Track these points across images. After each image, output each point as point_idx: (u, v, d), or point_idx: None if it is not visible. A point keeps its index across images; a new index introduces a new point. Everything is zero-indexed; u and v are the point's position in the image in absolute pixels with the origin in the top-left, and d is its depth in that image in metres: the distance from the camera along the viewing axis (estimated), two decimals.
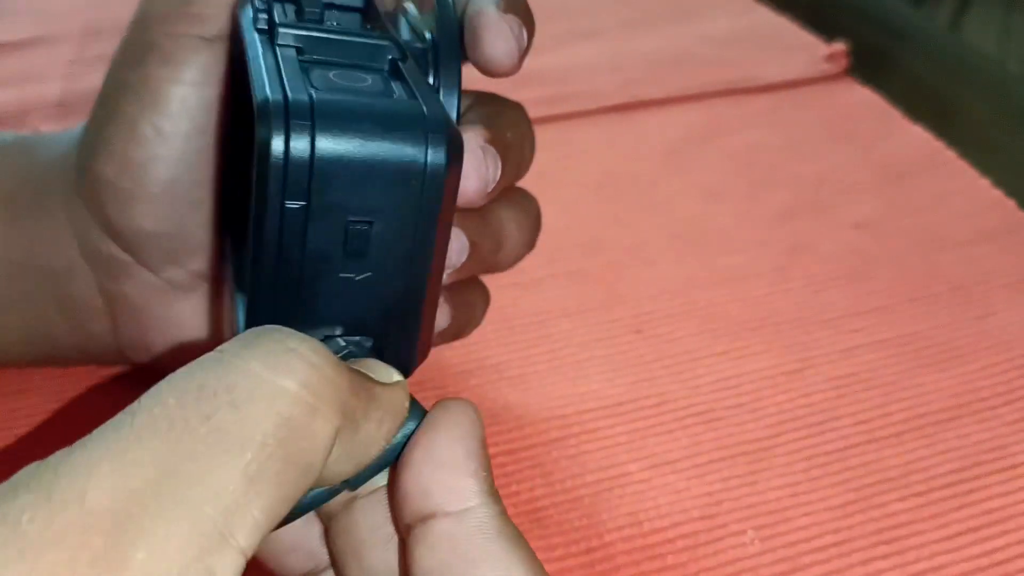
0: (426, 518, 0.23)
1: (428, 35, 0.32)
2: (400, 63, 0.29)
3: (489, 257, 0.34)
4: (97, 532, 0.19)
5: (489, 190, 0.31)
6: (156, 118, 0.33)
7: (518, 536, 0.23)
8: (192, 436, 0.20)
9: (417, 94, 0.28)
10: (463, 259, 0.33)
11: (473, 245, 0.33)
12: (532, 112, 0.53)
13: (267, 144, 0.25)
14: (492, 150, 0.32)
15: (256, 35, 0.29)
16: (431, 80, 0.32)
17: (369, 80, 0.28)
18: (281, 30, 0.29)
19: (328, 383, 0.21)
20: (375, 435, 0.23)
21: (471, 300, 0.36)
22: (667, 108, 0.61)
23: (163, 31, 0.33)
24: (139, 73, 0.33)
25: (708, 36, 0.68)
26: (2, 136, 0.40)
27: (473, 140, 0.31)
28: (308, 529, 0.27)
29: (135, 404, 0.21)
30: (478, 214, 0.33)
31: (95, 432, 0.20)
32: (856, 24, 0.70)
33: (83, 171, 0.35)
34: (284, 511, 0.21)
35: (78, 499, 0.19)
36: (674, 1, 0.72)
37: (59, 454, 0.20)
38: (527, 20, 0.33)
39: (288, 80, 0.26)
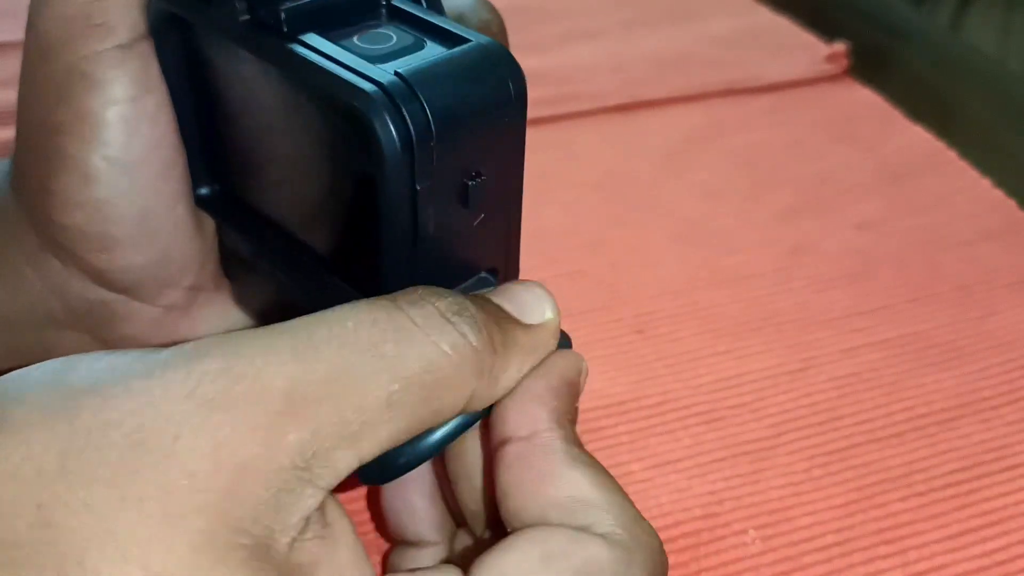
0: (504, 442, 0.27)
1: None
2: (393, 3, 0.29)
3: None
4: (264, 407, 0.22)
5: None
6: (104, 150, 0.30)
7: (586, 457, 0.27)
8: (358, 356, 0.24)
9: (453, 31, 0.28)
10: None
11: None
12: (532, 112, 0.53)
13: (389, 135, 0.25)
14: None
15: (247, 29, 0.27)
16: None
17: (394, 37, 0.28)
18: (268, 10, 0.27)
19: (471, 351, 0.25)
20: (516, 376, 0.27)
21: None
22: (667, 108, 0.61)
23: (76, 55, 0.29)
24: (69, 108, 0.30)
25: (708, 36, 0.68)
26: None
27: None
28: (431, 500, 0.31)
29: (315, 318, 0.24)
30: None
31: (274, 327, 0.24)
32: (856, 24, 0.70)
33: (43, 226, 0.31)
34: (404, 439, 0.24)
35: (254, 376, 0.23)
36: (674, 1, 0.72)
37: (239, 336, 0.23)
38: None
39: (352, 63, 0.26)
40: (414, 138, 0.25)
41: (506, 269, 0.30)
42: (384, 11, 0.29)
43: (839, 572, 0.35)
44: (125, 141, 0.30)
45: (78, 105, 0.29)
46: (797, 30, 0.68)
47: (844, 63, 0.64)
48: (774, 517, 0.36)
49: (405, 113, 0.25)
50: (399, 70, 0.26)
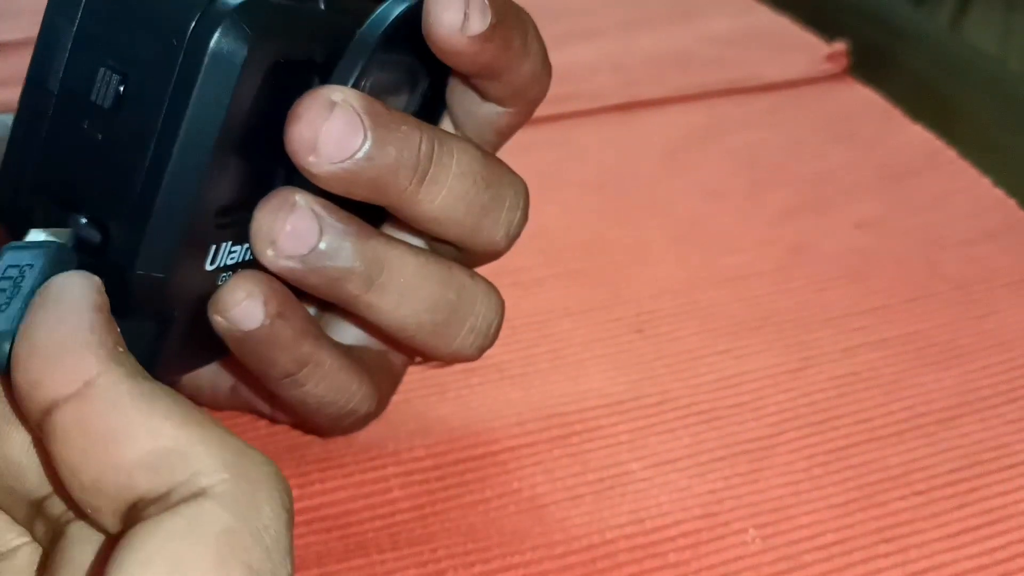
0: (49, 411, 0.21)
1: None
2: None
3: (354, 287, 0.30)
4: None
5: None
6: None
7: (158, 391, 0.21)
8: None
9: None
10: (302, 249, 0.29)
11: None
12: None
13: None
14: None
15: None
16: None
17: None
18: None
19: None
20: None
21: (368, 366, 0.33)
22: (667, 108, 0.61)
23: None
24: None
25: (708, 36, 0.68)
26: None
27: None
28: None
29: None
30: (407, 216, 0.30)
31: None
32: (856, 24, 0.70)
33: None
34: None
35: None
36: (674, 1, 0.72)
37: None
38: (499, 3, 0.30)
39: None
40: None
41: (121, 236, 0.26)
42: None
43: (839, 571, 0.35)
44: None
45: None
46: (797, 29, 0.68)
47: (844, 63, 0.64)
48: (774, 516, 0.36)
49: None
50: None
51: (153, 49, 0.24)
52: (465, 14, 0.28)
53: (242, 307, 0.29)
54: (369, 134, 0.28)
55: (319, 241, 0.29)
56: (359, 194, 0.29)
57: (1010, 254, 0.49)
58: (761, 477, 0.38)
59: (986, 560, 0.35)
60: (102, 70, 0.25)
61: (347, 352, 0.33)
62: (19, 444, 0.23)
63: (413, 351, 0.34)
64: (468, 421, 0.39)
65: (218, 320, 0.29)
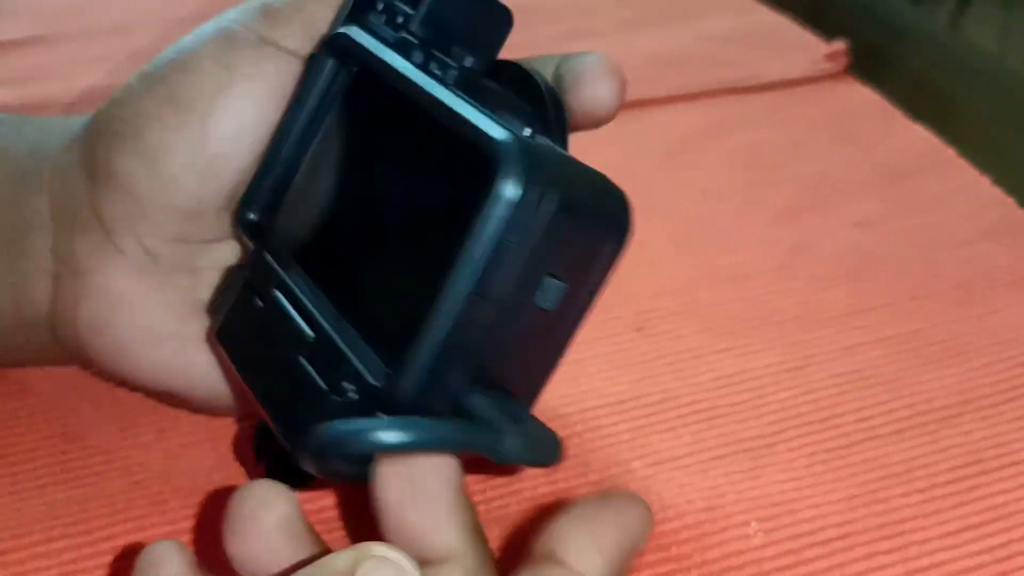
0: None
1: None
2: (535, 119, 0.31)
3: None
4: None
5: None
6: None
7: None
8: None
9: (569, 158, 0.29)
10: None
11: None
12: None
13: (504, 186, 0.26)
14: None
15: (408, 64, 0.30)
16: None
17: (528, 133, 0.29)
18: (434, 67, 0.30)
19: None
20: None
21: None
22: (667, 108, 0.61)
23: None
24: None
25: (708, 36, 0.68)
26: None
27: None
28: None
29: None
30: None
31: None
32: (856, 23, 0.70)
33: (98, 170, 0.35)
34: None
35: None
36: (674, 1, 0.73)
37: None
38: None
39: (502, 124, 0.27)
40: (527, 197, 0.26)
41: (524, 395, 0.30)
42: (527, 119, 0.31)
43: (840, 566, 0.35)
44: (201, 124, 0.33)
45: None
46: (796, 29, 0.68)
47: (844, 62, 0.64)
48: (776, 510, 0.36)
49: (531, 172, 0.26)
50: (542, 148, 0.27)
51: (593, 260, 0.29)
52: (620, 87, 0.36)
53: None
54: None
55: None
56: None
57: (1010, 253, 0.49)
58: (763, 473, 0.38)
59: (986, 558, 0.35)
60: (546, 280, 0.28)
61: None
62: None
63: None
64: None
65: None
